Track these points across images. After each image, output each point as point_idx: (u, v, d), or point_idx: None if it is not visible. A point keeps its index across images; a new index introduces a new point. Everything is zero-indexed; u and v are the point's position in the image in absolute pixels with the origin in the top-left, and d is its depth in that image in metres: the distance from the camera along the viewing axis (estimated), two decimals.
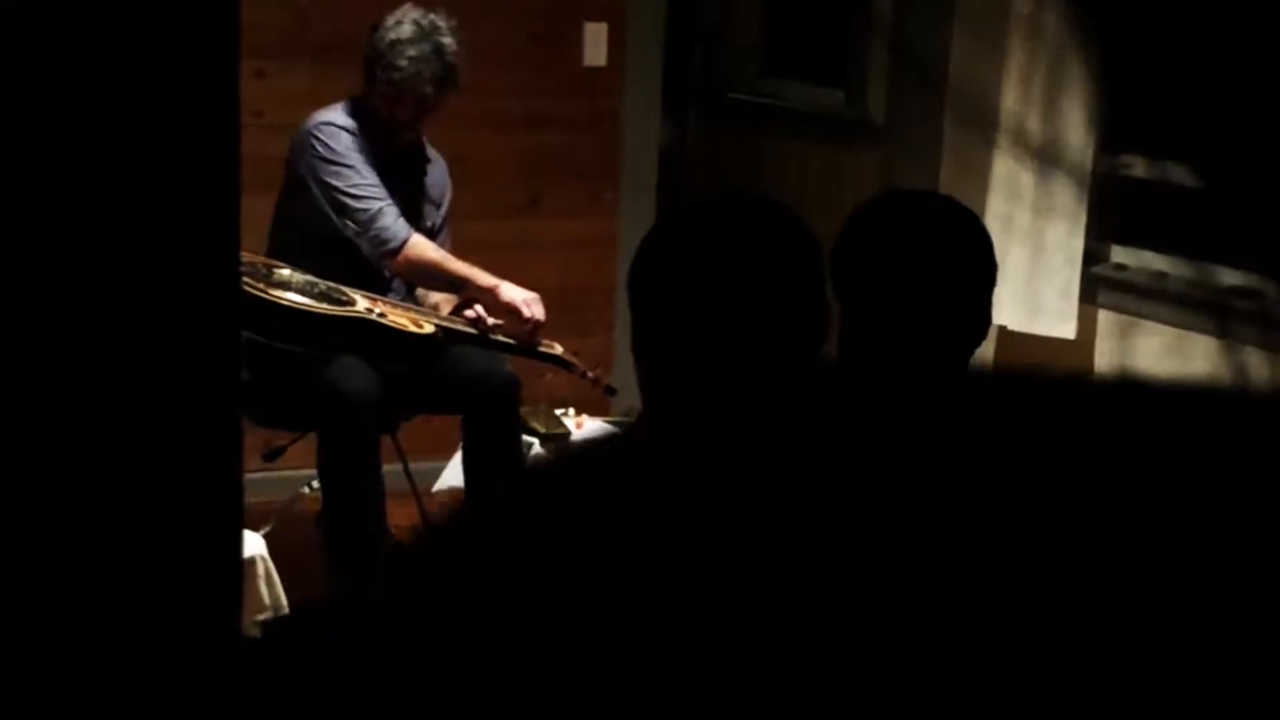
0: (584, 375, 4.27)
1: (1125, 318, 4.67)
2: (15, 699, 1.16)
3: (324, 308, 3.89)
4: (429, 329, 4.03)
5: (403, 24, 3.98)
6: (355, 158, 3.97)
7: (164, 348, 1.17)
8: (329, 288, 3.97)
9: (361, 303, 3.97)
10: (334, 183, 3.95)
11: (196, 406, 1.18)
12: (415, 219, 4.09)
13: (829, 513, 0.41)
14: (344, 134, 3.99)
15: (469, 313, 4.14)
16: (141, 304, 1.15)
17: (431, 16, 4.01)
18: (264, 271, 3.88)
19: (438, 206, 4.20)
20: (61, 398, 1.14)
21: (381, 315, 3.96)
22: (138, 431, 1.17)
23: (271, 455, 4.10)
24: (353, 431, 3.87)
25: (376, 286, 4.11)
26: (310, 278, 3.97)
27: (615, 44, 5.18)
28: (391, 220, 3.97)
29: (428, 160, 4.24)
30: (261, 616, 3.57)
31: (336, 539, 3.93)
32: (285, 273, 3.92)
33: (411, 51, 3.94)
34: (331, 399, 3.83)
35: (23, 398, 1.14)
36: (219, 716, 1.17)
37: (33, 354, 1.13)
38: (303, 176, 4.00)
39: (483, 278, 4.10)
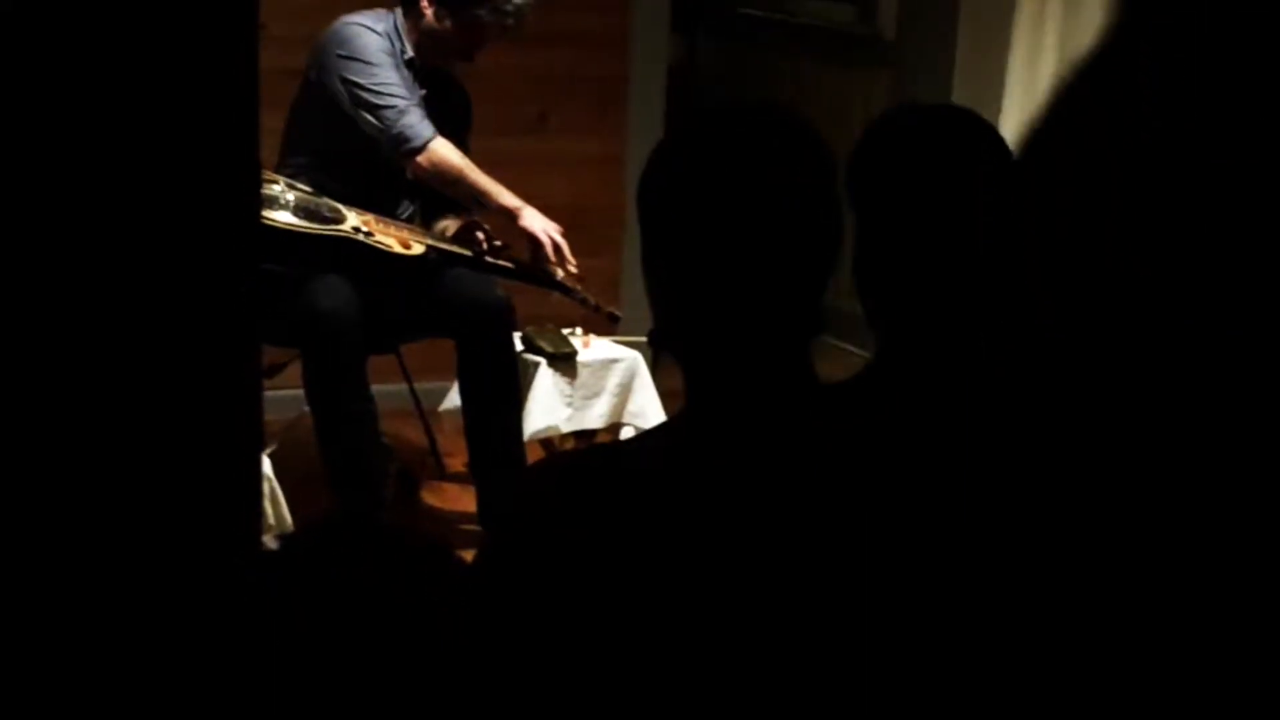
0: (584, 302, 4.23)
1: None
2: (38, 614, 1.16)
3: (308, 226, 3.85)
4: (418, 250, 3.99)
5: None
6: (383, 58, 3.94)
7: (183, 265, 1.16)
8: (320, 204, 3.92)
9: (350, 220, 3.93)
10: (359, 79, 3.92)
11: (215, 324, 1.18)
12: None
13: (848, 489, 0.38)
14: (373, 35, 3.97)
15: (479, 234, 4.10)
16: (161, 224, 1.15)
17: None
18: None
19: (460, 136, 4.14)
20: (83, 320, 1.14)
21: (369, 234, 3.92)
22: (158, 349, 1.16)
23: (270, 372, 4.08)
24: (332, 350, 3.83)
25: (386, 203, 4.07)
26: (304, 192, 3.92)
27: None
28: (416, 120, 3.93)
29: (455, 88, 4.19)
30: (267, 536, 3.56)
31: (329, 457, 3.91)
32: (276, 188, 3.87)
33: None
34: (309, 318, 3.80)
35: (49, 315, 1.14)
36: (240, 630, 1.18)
37: (56, 270, 1.13)
38: (322, 81, 3.95)
39: (506, 197, 4.06)
